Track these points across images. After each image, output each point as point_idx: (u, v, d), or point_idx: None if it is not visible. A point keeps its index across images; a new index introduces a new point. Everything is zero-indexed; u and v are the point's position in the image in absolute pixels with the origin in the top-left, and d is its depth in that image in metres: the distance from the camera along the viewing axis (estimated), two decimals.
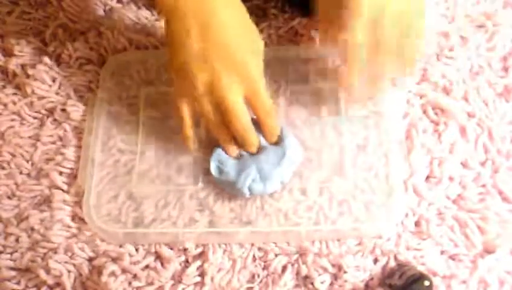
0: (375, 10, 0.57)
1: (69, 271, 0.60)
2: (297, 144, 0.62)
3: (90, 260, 0.60)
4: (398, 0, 0.58)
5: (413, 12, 0.59)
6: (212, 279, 0.59)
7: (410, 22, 0.59)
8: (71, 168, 0.65)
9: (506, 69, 0.69)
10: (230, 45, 0.58)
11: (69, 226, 0.62)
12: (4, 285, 0.60)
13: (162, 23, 0.72)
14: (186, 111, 0.60)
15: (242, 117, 0.59)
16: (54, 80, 0.70)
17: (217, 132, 0.61)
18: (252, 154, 0.62)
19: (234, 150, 0.62)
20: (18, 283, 0.60)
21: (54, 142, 0.67)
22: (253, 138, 0.61)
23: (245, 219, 0.60)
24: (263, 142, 0.62)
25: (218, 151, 0.62)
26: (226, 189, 0.61)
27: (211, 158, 0.62)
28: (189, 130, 0.61)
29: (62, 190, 0.63)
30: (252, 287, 0.59)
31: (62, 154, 0.65)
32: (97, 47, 0.72)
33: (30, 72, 0.70)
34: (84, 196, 0.62)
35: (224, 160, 0.61)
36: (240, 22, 0.60)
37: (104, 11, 0.76)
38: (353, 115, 0.65)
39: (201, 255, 0.60)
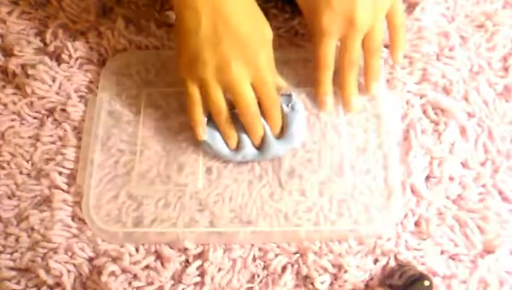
0: (341, 29, 0.61)
1: (69, 271, 0.60)
2: (301, 127, 0.63)
3: (90, 260, 0.60)
4: (366, 17, 0.60)
5: (380, 29, 0.62)
6: (212, 279, 0.59)
7: (379, 41, 0.63)
8: (71, 168, 0.65)
9: (506, 69, 0.69)
10: (241, 33, 0.59)
11: (69, 226, 0.62)
12: (4, 285, 0.59)
13: (161, 22, 0.72)
14: (197, 96, 0.61)
15: (250, 102, 0.60)
16: (54, 80, 0.70)
17: (220, 120, 0.61)
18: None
19: (234, 143, 0.62)
20: (18, 283, 0.60)
21: (54, 142, 0.67)
22: (259, 126, 0.61)
23: (245, 219, 0.60)
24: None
25: (210, 120, 0.63)
26: (218, 156, 0.63)
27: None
28: (199, 114, 0.61)
29: (62, 190, 0.63)
30: (252, 287, 0.59)
31: (62, 154, 0.65)
32: (97, 47, 0.72)
33: (30, 72, 0.70)
34: (83, 197, 0.62)
35: (216, 133, 0.62)
36: (250, 12, 0.61)
37: (104, 11, 0.76)
38: (353, 117, 0.65)
39: (201, 255, 0.60)
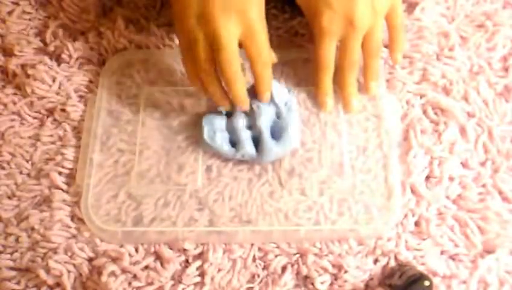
0: (341, 30, 0.61)
1: (69, 271, 0.60)
2: (298, 128, 0.63)
3: (90, 260, 0.60)
4: (366, 17, 0.60)
5: (379, 30, 0.62)
6: (212, 279, 0.59)
7: (378, 42, 0.63)
8: (71, 168, 0.65)
9: (506, 69, 0.69)
10: None
11: (69, 226, 0.62)
12: (4, 285, 0.59)
13: (161, 22, 0.72)
14: (186, 45, 0.58)
15: (232, 59, 0.56)
16: (54, 80, 0.70)
17: (204, 77, 0.58)
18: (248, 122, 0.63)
19: (226, 103, 0.61)
20: (18, 283, 0.60)
21: (53, 142, 0.67)
22: (241, 88, 0.58)
23: (245, 218, 0.60)
24: (265, 122, 0.62)
25: (210, 118, 0.63)
26: (217, 153, 0.63)
27: (203, 122, 0.63)
28: (192, 65, 0.59)
29: (62, 190, 0.63)
30: (252, 287, 0.59)
31: (62, 154, 0.65)
32: (97, 47, 0.72)
33: (30, 72, 0.70)
34: (82, 196, 0.62)
35: (216, 129, 0.62)
36: None
37: (104, 11, 0.76)
38: (353, 116, 0.65)
39: (201, 255, 0.60)
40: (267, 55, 0.59)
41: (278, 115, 0.63)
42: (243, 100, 0.60)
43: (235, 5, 0.56)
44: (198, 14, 0.56)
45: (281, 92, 0.63)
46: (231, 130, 0.63)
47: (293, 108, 0.63)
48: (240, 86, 0.58)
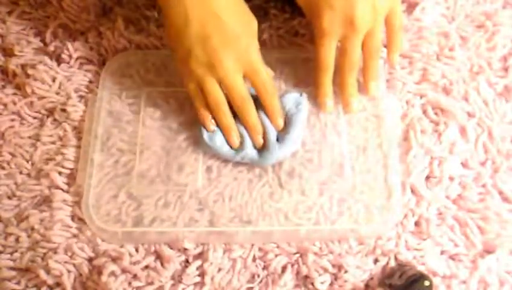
0: (341, 30, 0.61)
1: (69, 271, 0.60)
2: (302, 130, 0.63)
3: (90, 260, 0.60)
4: (366, 18, 0.60)
5: (379, 31, 0.63)
6: (212, 279, 0.59)
7: (378, 42, 0.63)
8: (71, 168, 0.65)
9: (506, 69, 0.69)
10: (230, 27, 0.60)
11: (69, 226, 0.62)
12: (4, 285, 0.59)
13: (161, 22, 0.72)
14: (197, 92, 0.62)
15: (244, 94, 0.61)
16: (54, 80, 0.70)
17: (220, 115, 0.62)
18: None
19: (236, 140, 0.62)
20: (18, 283, 0.60)
21: (54, 142, 0.67)
22: (256, 120, 0.62)
23: (245, 219, 0.60)
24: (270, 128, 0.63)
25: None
26: (216, 154, 0.63)
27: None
28: (204, 108, 0.62)
29: (62, 190, 0.63)
30: (252, 287, 0.59)
31: (62, 154, 0.65)
32: (97, 47, 0.72)
33: (30, 72, 0.70)
34: (83, 196, 0.62)
35: (216, 130, 0.62)
36: (237, 5, 0.62)
37: (104, 11, 0.76)
38: (353, 116, 0.65)
39: (201, 255, 0.60)
40: (270, 84, 0.62)
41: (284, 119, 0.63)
42: (258, 130, 0.62)
43: (236, 47, 0.60)
44: (205, 61, 0.60)
45: (289, 98, 0.63)
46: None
47: (302, 110, 0.63)
48: (256, 119, 0.62)
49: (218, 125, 0.63)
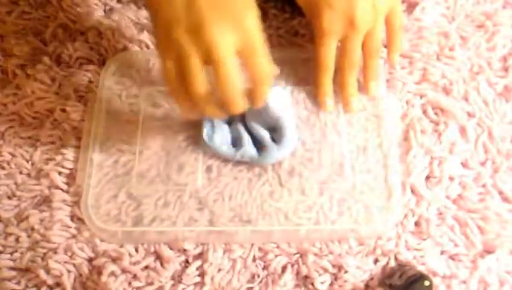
0: (342, 30, 0.61)
1: (69, 271, 0.60)
2: (294, 126, 0.63)
3: (90, 260, 0.60)
4: (366, 17, 0.60)
5: (379, 30, 0.62)
6: (212, 279, 0.59)
7: (378, 42, 0.63)
8: (71, 168, 0.65)
9: (506, 69, 0.69)
10: None
11: (69, 226, 0.62)
12: (4, 285, 0.59)
13: None
14: (171, 64, 0.52)
15: (232, 73, 0.50)
16: (54, 80, 0.70)
17: (196, 97, 0.52)
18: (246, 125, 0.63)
19: (223, 115, 0.55)
20: (18, 283, 0.60)
21: (53, 142, 0.67)
22: (240, 104, 0.53)
23: (245, 218, 0.60)
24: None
25: (210, 118, 0.62)
26: (216, 153, 0.62)
27: (203, 121, 0.62)
28: (177, 90, 0.53)
29: (62, 190, 0.63)
30: (252, 287, 0.59)
31: (62, 154, 0.65)
32: (97, 47, 0.72)
33: (30, 72, 0.70)
34: (82, 196, 0.62)
35: (215, 129, 0.62)
36: None
37: (104, 11, 0.76)
38: (353, 116, 0.65)
39: (201, 255, 0.60)
40: (267, 68, 0.53)
41: (275, 118, 0.63)
42: (239, 111, 0.54)
43: (231, 16, 0.50)
44: (188, 25, 0.49)
45: (275, 97, 0.63)
46: (232, 130, 0.63)
47: (289, 105, 0.63)
48: (240, 102, 0.53)
49: (216, 124, 0.61)
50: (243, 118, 0.63)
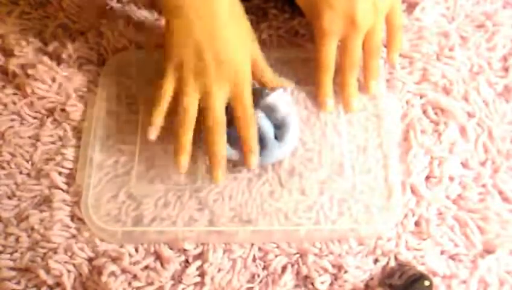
0: (342, 29, 0.61)
1: (69, 271, 0.60)
2: (297, 127, 0.63)
3: (90, 260, 0.60)
4: (367, 17, 0.60)
5: (380, 30, 0.63)
6: (212, 279, 0.58)
7: (379, 42, 0.63)
8: (71, 168, 0.65)
9: (506, 69, 0.69)
10: (226, 44, 0.59)
11: (69, 226, 0.62)
12: (4, 285, 0.59)
13: (162, 22, 0.72)
14: (166, 96, 0.60)
15: (221, 123, 0.60)
16: (54, 80, 0.70)
17: (182, 124, 0.60)
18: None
19: (183, 161, 0.60)
20: (18, 283, 0.60)
21: (53, 142, 0.67)
22: (219, 141, 0.60)
23: (245, 218, 0.60)
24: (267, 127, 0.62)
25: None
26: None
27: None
28: (161, 114, 0.60)
29: (62, 190, 0.63)
30: (252, 287, 0.59)
31: (62, 154, 0.65)
32: (97, 47, 0.72)
33: (30, 72, 0.70)
34: (82, 196, 0.62)
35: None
36: (240, 25, 0.62)
37: (104, 11, 0.76)
38: (353, 116, 0.65)
39: (201, 255, 0.60)
40: (251, 113, 0.60)
41: (279, 120, 0.63)
42: (219, 159, 0.60)
43: (227, 68, 0.59)
44: (195, 66, 0.59)
45: (281, 100, 0.63)
46: (231, 130, 0.63)
47: (292, 106, 0.63)
48: (220, 147, 0.59)
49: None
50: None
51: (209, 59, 0.59)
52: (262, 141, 0.62)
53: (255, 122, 0.60)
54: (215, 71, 0.59)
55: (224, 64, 0.59)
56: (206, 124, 0.59)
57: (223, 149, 0.60)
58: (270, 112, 0.62)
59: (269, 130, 0.62)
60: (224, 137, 0.60)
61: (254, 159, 0.60)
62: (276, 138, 0.62)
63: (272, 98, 0.62)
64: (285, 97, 0.63)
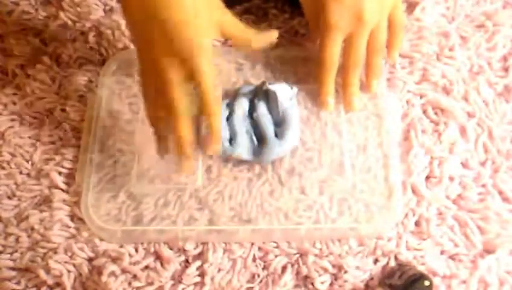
0: (349, 25, 0.60)
1: (69, 271, 0.60)
2: (298, 126, 0.63)
3: (90, 260, 0.60)
4: (374, 13, 0.60)
5: (384, 28, 0.62)
6: (212, 279, 0.58)
7: (383, 39, 0.63)
8: (71, 168, 0.65)
9: (506, 69, 0.69)
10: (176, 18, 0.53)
11: (69, 226, 0.62)
12: (4, 285, 0.59)
13: None
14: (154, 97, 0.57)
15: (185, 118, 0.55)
16: (53, 80, 0.70)
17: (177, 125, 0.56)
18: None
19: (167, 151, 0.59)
20: (18, 283, 0.60)
21: (53, 142, 0.67)
22: (186, 132, 0.56)
23: (245, 218, 0.60)
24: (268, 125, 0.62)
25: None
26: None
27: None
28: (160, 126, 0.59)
29: (62, 190, 0.63)
30: (252, 287, 0.59)
31: (62, 154, 0.65)
32: (97, 47, 0.72)
33: (30, 72, 0.70)
34: (82, 196, 0.62)
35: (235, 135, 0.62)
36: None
37: (104, 11, 0.76)
38: (353, 115, 0.65)
39: (201, 255, 0.60)
40: (213, 102, 0.55)
41: (279, 116, 0.63)
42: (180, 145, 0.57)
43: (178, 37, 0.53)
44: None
45: (283, 92, 0.63)
46: (231, 128, 0.63)
47: (295, 104, 0.63)
48: (186, 125, 0.56)
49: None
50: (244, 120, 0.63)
51: (155, 30, 0.53)
52: (262, 139, 0.62)
53: (219, 104, 0.57)
54: (162, 44, 0.53)
55: (172, 34, 0.53)
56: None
57: (187, 135, 0.56)
58: (270, 102, 0.62)
59: (269, 127, 0.62)
60: (188, 120, 0.56)
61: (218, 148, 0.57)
62: (276, 135, 0.62)
63: (273, 87, 0.62)
64: (288, 92, 0.63)
